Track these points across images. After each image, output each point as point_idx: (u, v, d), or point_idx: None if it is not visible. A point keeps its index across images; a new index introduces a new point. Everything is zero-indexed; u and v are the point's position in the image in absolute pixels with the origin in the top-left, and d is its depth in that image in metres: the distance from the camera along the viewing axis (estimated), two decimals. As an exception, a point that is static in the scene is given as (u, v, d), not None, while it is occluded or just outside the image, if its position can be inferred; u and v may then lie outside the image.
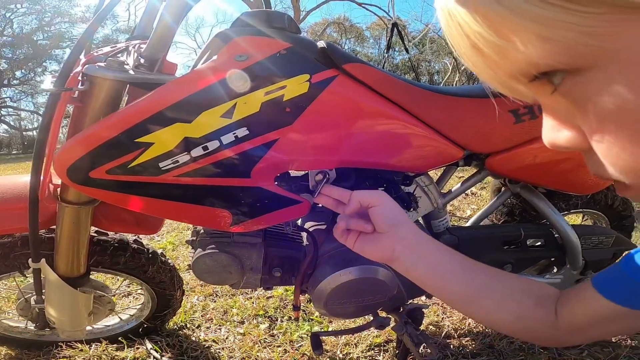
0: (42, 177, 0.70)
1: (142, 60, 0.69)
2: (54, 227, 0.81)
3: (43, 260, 0.81)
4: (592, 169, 0.25)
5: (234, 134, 0.63)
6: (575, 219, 1.55)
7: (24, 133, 22.80)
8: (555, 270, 1.09)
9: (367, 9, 12.77)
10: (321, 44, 0.71)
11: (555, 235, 1.00)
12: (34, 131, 23.21)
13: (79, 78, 0.66)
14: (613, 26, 0.18)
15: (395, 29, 6.65)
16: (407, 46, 7.90)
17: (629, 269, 0.46)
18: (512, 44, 0.20)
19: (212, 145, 0.63)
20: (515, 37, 0.20)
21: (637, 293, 0.44)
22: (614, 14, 0.17)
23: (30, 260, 0.80)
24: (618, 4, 0.17)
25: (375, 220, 0.54)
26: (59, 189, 0.78)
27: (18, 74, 19.46)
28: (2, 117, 20.42)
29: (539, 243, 1.02)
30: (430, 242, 0.55)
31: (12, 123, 22.02)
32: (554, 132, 0.25)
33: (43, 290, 0.88)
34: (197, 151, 0.63)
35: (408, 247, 0.54)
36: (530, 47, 0.20)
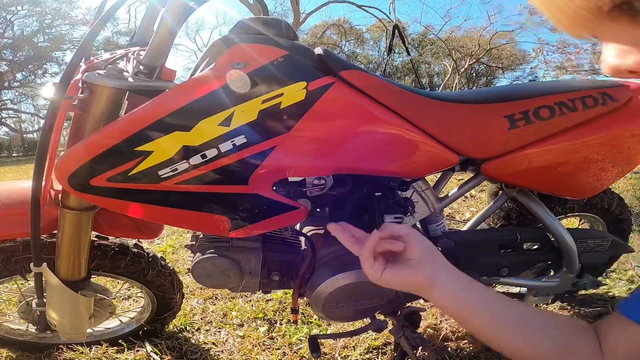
0: (43, 183, 0.71)
1: (141, 67, 0.70)
2: (55, 231, 0.82)
3: (44, 264, 0.82)
4: None
5: (232, 142, 0.64)
6: (573, 222, 1.56)
7: (24, 135, 22.80)
8: (552, 273, 1.10)
9: (366, 11, 12.79)
10: (318, 50, 0.71)
11: (552, 239, 1.01)
12: (35, 134, 23.23)
13: (79, 85, 0.68)
14: None
15: (397, 31, 6.67)
16: (408, 48, 7.91)
17: None
18: None
19: (211, 153, 0.64)
20: None
21: None
22: None
23: (32, 264, 0.81)
24: None
25: (411, 244, 0.52)
26: (60, 195, 0.79)
27: (19, 76, 19.47)
28: (2, 120, 20.44)
29: (536, 246, 1.03)
30: (463, 273, 0.53)
31: (12, 125, 22.04)
32: (620, 58, 0.28)
33: (44, 294, 0.89)
34: (196, 159, 0.64)
35: (449, 272, 0.52)
36: None
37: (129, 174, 0.63)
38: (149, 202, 0.67)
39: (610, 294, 1.39)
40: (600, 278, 1.27)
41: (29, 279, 0.96)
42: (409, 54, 8.36)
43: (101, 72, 0.66)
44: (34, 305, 0.93)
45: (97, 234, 0.92)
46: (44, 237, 0.88)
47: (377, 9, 13.76)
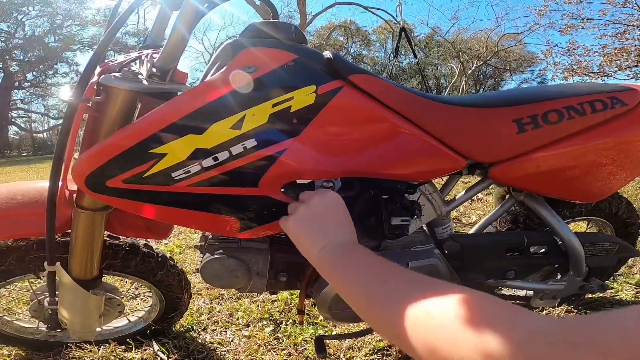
0: (59, 184, 0.73)
1: (154, 70, 0.72)
2: (69, 231, 0.84)
3: (58, 263, 0.84)
4: None
5: (243, 144, 0.65)
6: (581, 226, 1.55)
7: (34, 135, 23.08)
8: (559, 276, 1.10)
9: (373, 13, 12.77)
10: (327, 54, 0.72)
11: (559, 243, 1.01)
12: (44, 133, 23.53)
13: (95, 88, 0.69)
14: None
15: (404, 33, 6.67)
16: (415, 50, 7.90)
17: None
18: None
19: (222, 155, 0.65)
20: None
21: None
22: None
23: (45, 263, 0.83)
24: None
25: None
26: (74, 195, 0.80)
27: (29, 76, 19.72)
28: (12, 119, 20.72)
29: (543, 250, 1.03)
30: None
31: (22, 125, 22.34)
32: None
33: (56, 292, 0.91)
34: (208, 162, 0.65)
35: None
36: None
37: (144, 176, 0.65)
38: (161, 203, 0.69)
39: (617, 297, 1.38)
40: (607, 282, 1.26)
41: (42, 277, 0.97)
42: (415, 56, 8.35)
43: (117, 74, 0.67)
44: (45, 303, 0.94)
45: (108, 233, 0.94)
46: (57, 236, 0.90)
47: (384, 10, 13.73)
